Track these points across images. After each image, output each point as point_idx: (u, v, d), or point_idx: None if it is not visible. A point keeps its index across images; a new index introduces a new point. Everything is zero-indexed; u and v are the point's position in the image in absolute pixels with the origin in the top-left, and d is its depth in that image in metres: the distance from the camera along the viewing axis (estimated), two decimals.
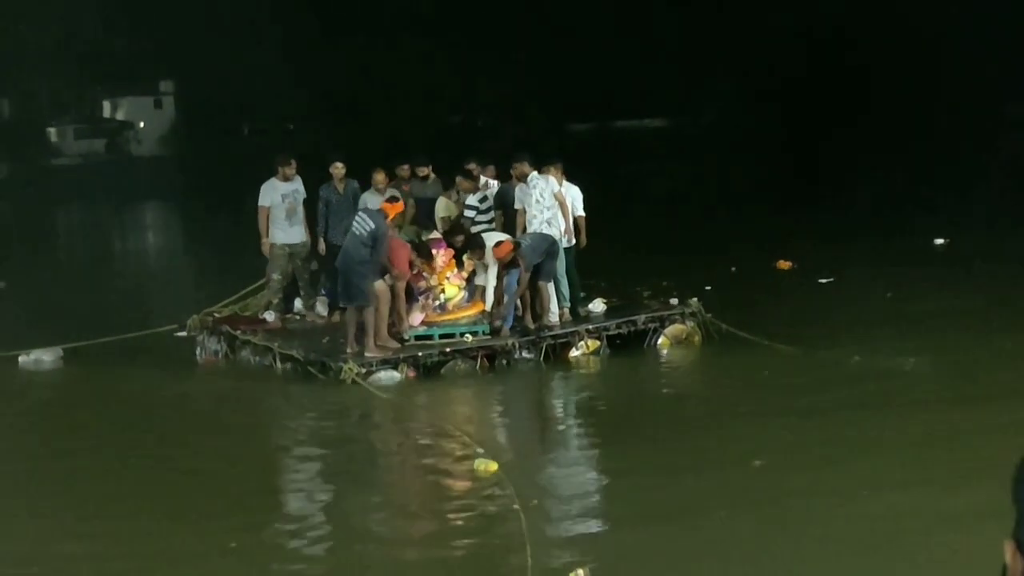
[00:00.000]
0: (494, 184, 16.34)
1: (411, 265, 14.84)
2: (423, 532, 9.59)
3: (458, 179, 16.47)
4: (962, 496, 9.40)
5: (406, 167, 17.00)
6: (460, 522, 9.66)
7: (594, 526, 9.59)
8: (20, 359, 16.26)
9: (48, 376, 16.03)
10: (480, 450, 11.21)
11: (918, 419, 12.09)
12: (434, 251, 15.05)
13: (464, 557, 8.93)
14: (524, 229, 15.36)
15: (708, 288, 18.84)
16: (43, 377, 15.99)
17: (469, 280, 15.22)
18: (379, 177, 16.23)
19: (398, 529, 9.71)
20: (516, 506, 9.47)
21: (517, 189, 15.63)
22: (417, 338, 14.75)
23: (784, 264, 22.09)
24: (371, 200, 15.79)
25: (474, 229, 15.80)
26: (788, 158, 47.58)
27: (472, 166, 16.43)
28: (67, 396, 15.34)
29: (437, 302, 14.93)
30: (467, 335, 14.76)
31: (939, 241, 24.32)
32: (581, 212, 15.92)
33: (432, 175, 17.04)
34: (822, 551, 8.63)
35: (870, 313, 17.39)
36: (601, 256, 17.30)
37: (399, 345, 14.60)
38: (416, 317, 14.85)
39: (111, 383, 15.35)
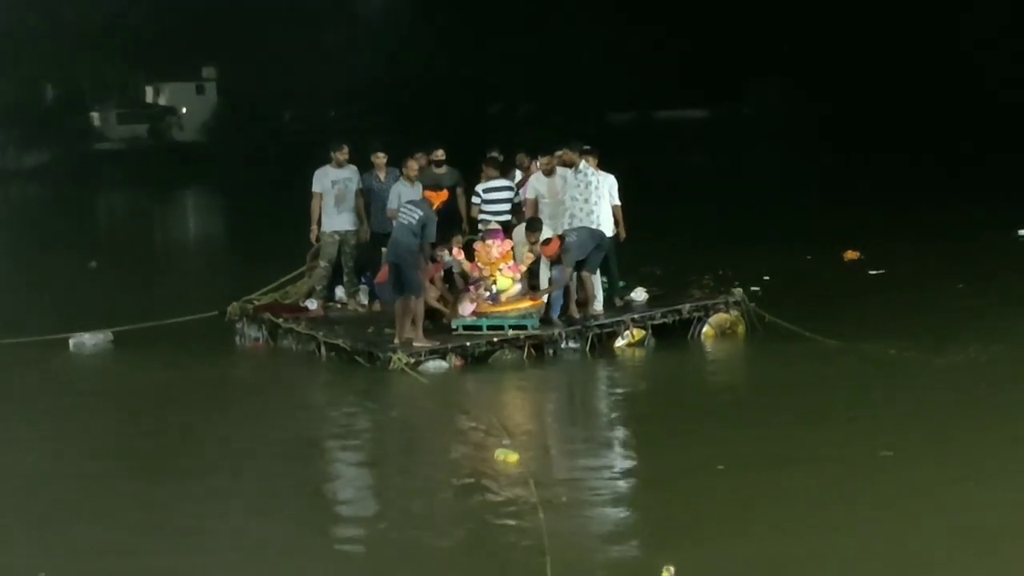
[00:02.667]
0: (519, 175, 16.35)
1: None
2: (421, 525, 9.41)
3: (484, 166, 16.43)
4: None
5: (422, 155, 16.49)
6: (471, 515, 9.53)
7: (616, 523, 9.38)
8: (70, 341, 16.41)
9: (90, 360, 16.10)
10: (506, 441, 11.12)
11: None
12: (490, 242, 14.99)
13: (472, 554, 8.79)
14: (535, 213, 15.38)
15: (767, 278, 18.81)
16: (85, 361, 16.08)
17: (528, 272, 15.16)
18: (412, 165, 16.08)
19: (405, 521, 9.53)
20: (534, 499, 9.37)
21: (556, 177, 15.61)
22: (465, 328, 14.72)
23: (852, 254, 21.96)
24: (404, 190, 15.70)
25: (481, 217, 15.98)
26: (843, 149, 47.32)
27: (495, 153, 16.42)
28: (100, 383, 15.39)
29: (488, 293, 14.88)
30: (513, 328, 14.70)
31: (1023, 232, 24.09)
32: (617, 201, 15.78)
33: (445, 163, 16.59)
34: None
35: (931, 305, 17.27)
36: (662, 245, 17.16)
37: (433, 341, 14.53)
38: (467, 307, 14.81)
39: (152, 368, 15.33)
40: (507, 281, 14.92)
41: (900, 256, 21.60)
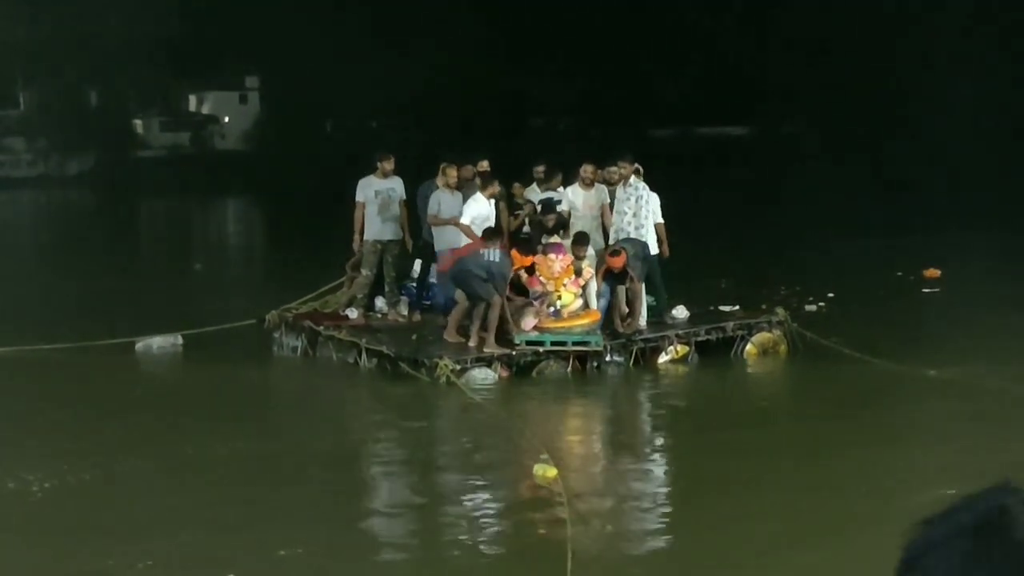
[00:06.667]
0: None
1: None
2: (455, 534, 9.37)
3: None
4: None
5: (470, 167, 16.66)
6: (505, 531, 9.48)
7: (652, 548, 9.25)
8: (136, 345, 16.52)
9: (153, 362, 16.24)
10: (544, 455, 11.00)
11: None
12: (552, 256, 14.90)
13: (497, 565, 8.76)
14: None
15: (831, 295, 18.75)
16: (142, 365, 16.18)
17: (586, 288, 15.07)
18: (452, 172, 16.08)
19: (438, 530, 9.52)
20: (565, 516, 9.29)
21: (593, 191, 15.76)
22: (528, 343, 14.57)
23: (932, 272, 21.79)
24: (444, 198, 15.74)
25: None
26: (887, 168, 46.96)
27: (540, 168, 16.39)
28: (163, 385, 15.51)
29: (551, 308, 14.77)
30: (577, 345, 14.57)
31: None
32: (661, 220, 15.68)
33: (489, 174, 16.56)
34: None
35: (987, 326, 17.05)
36: (732, 259, 16.80)
37: (463, 340, 14.56)
38: (529, 322, 14.63)
39: (212, 373, 15.41)
40: (570, 296, 14.83)
41: (970, 277, 21.40)
